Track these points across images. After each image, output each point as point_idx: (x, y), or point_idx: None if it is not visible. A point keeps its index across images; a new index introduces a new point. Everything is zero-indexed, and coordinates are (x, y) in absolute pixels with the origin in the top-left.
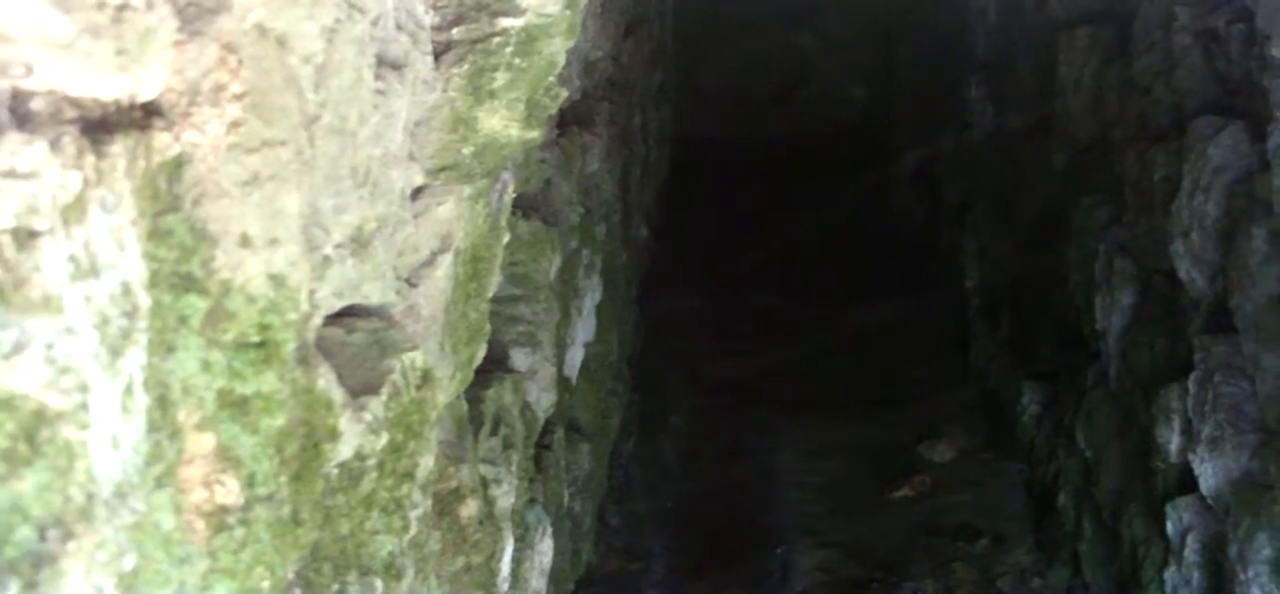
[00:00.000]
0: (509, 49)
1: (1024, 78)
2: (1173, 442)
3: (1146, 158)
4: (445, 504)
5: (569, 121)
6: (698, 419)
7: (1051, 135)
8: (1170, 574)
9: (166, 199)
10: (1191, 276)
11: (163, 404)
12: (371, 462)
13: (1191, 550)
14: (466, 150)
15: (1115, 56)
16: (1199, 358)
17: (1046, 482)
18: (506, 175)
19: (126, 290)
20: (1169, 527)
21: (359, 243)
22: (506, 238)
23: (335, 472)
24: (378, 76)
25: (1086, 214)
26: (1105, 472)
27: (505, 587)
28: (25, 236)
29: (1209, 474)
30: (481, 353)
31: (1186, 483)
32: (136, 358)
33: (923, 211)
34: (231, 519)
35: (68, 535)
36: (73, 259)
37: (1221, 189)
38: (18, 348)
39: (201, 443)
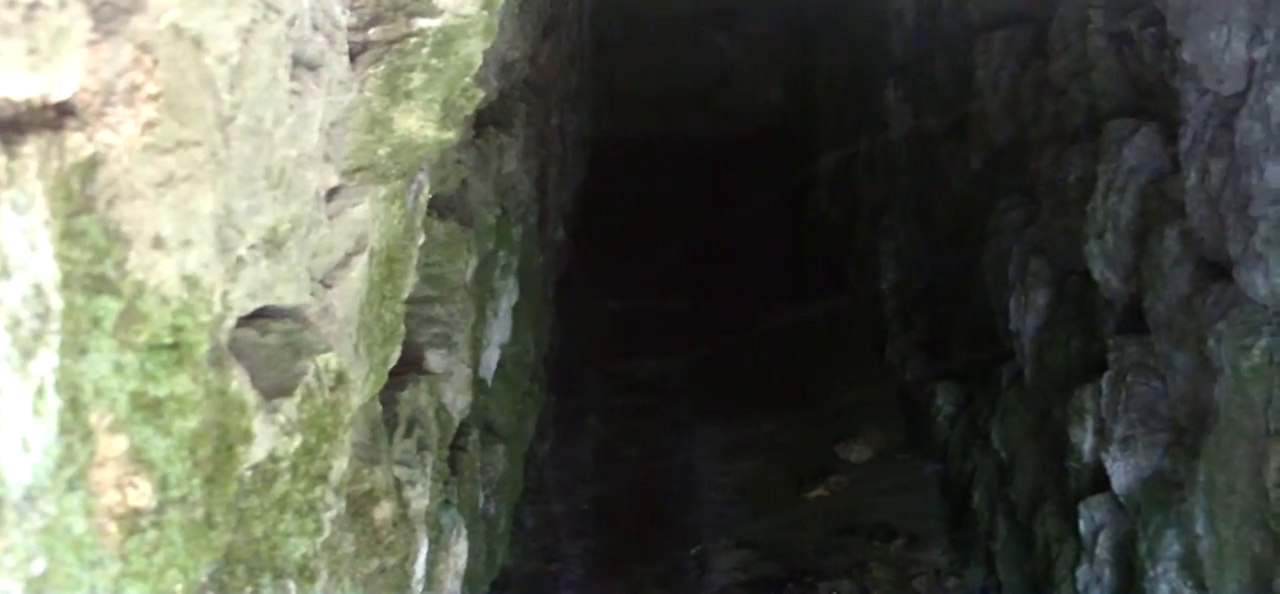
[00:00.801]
0: (425, 50)
1: (941, 80)
2: (1086, 441)
3: (1062, 159)
4: (359, 506)
5: (486, 122)
6: (614, 419)
7: (968, 137)
8: (1082, 572)
9: (80, 200)
10: (1105, 277)
11: (75, 406)
12: (285, 464)
13: (1103, 548)
14: (382, 151)
15: (1031, 58)
16: (1113, 358)
17: (962, 481)
18: (422, 176)
19: (38, 292)
20: (1081, 525)
21: (273, 244)
22: (422, 239)
23: (249, 474)
24: (293, 77)
25: (1002, 215)
26: (1019, 471)
27: (419, 589)
28: None
29: (1121, 473)
30: (396, 354)
31: (1099, 482)
32: (48, 360)
33: (840, 212)
34: (144, 522)
35: None
36: None
37: (1135, 190)
38: None
39: (114, 445)
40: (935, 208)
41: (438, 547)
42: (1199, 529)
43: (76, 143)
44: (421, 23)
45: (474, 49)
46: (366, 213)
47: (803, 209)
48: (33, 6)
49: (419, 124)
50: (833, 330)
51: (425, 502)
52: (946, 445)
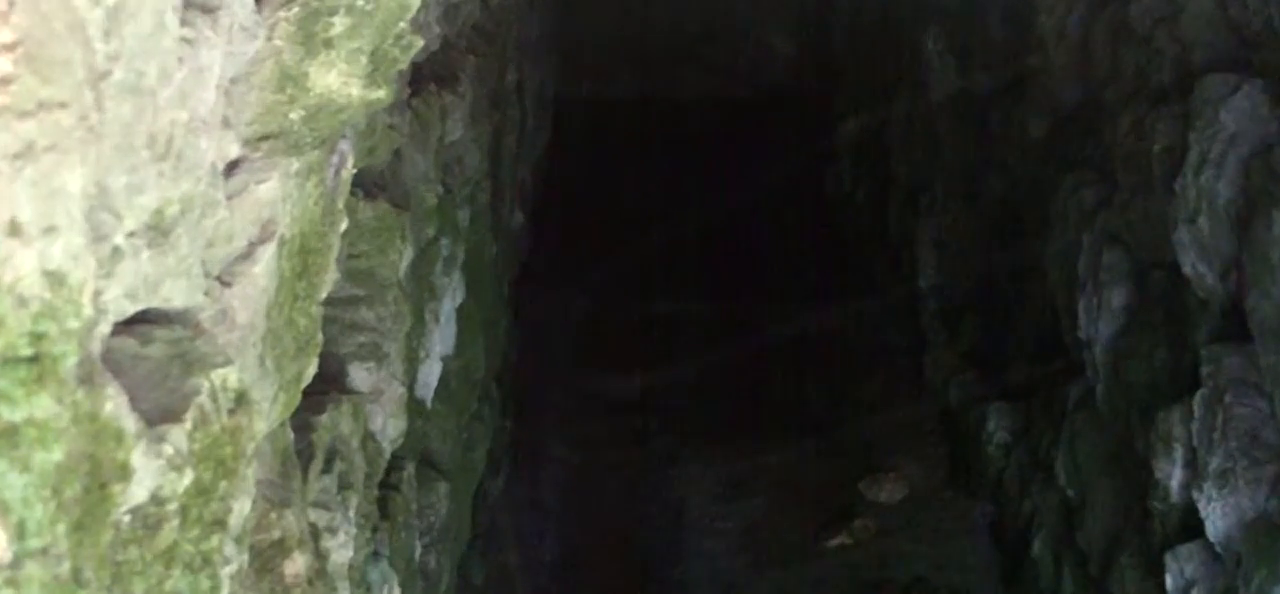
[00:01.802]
0: None
1: (993, 28)
2: (1174, 476)
3: (1144, 125)
4: (266, 559)
5: (425, 78)
6: (586, 450)
7: (1027, 98)
8: None
9: None
10: (1198, 272)
11: None
12: (173, 506)
13: None
14: (295, 114)
15: (1107, 1)
16: (1207, 372)
17: (1018, 526)
18: (345, 146)
19: None
20: (1168, 580)
21: (158, 231)
22: (344, 224)
23: (127, 519)
24: (184, 22)
25: (1069, 196)
26: (1091, 513)
27: None
28: None
29: (1217, 515)
30: (312, 369)
31: (1190, 526)
32: None
33: (866, 193)
34: None
35: None
36: None
37: (1236, 163)
38: None
39: None
40: (986, 187)
41: None
42: None
43: None
44: None
45: None
46: (275, 191)
47: (820, 189)
48: None
49: (341, 81)
50: (858, 339)
51: (349, 553)
52: (999, 481)
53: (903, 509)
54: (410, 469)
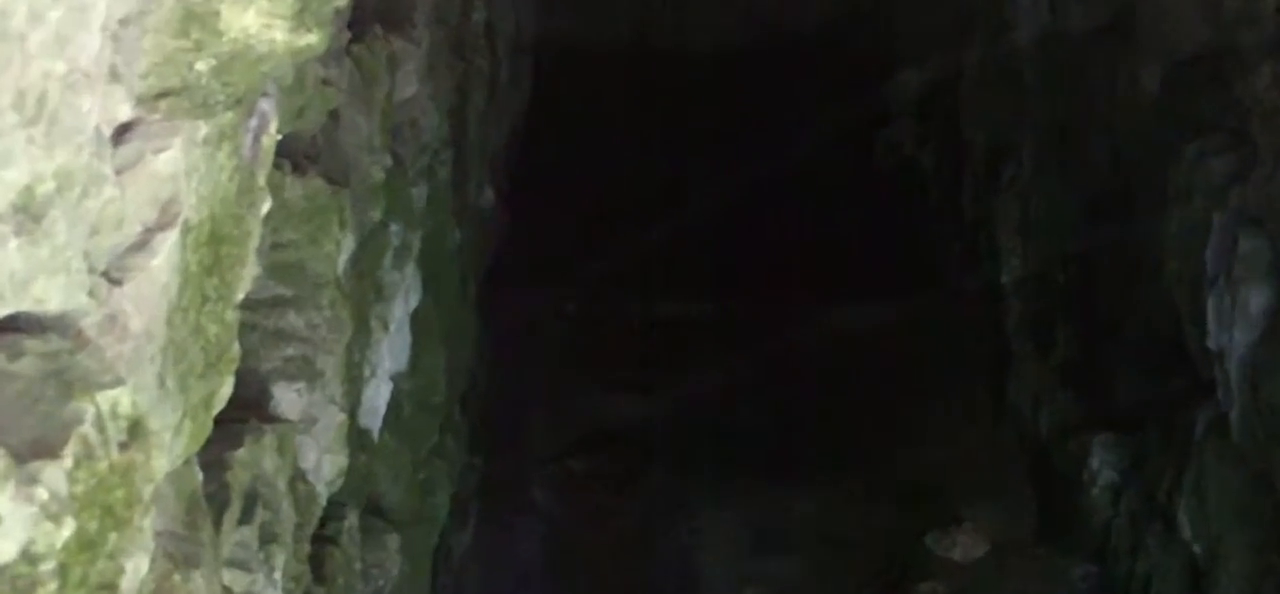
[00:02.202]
0: None
1: None
2: None
3: None
4: None
5: (369, 20)
6: (574, 493)
7: (1137, 42)
8: None
9: None
10: None
11: None
12: (49, 566)
13: None
14: (202, 65)
15: None
16: None
17: (1131, 591)
18: (266, 105)
19: None
20: None
21: (28, 214)
22: (267, 205)
23: None
24: None
25: (1193, 166)
26: (1225, 574)
27: None
28: None
29: None
30: (226, 390)
31: None
32: None
33: (933, 162)
34: None
35: None
36: None
37: None
38: None
39: None
40: (1086, 155)
41: None
42: None
43: None
44: None
45: None
46: (178, 164)
47: (869, 159)
48: None
49: (261, 22)
50: (921, 350)
51: None
52: (1106, 534)
53: (981, 570)
54: (352, 518)
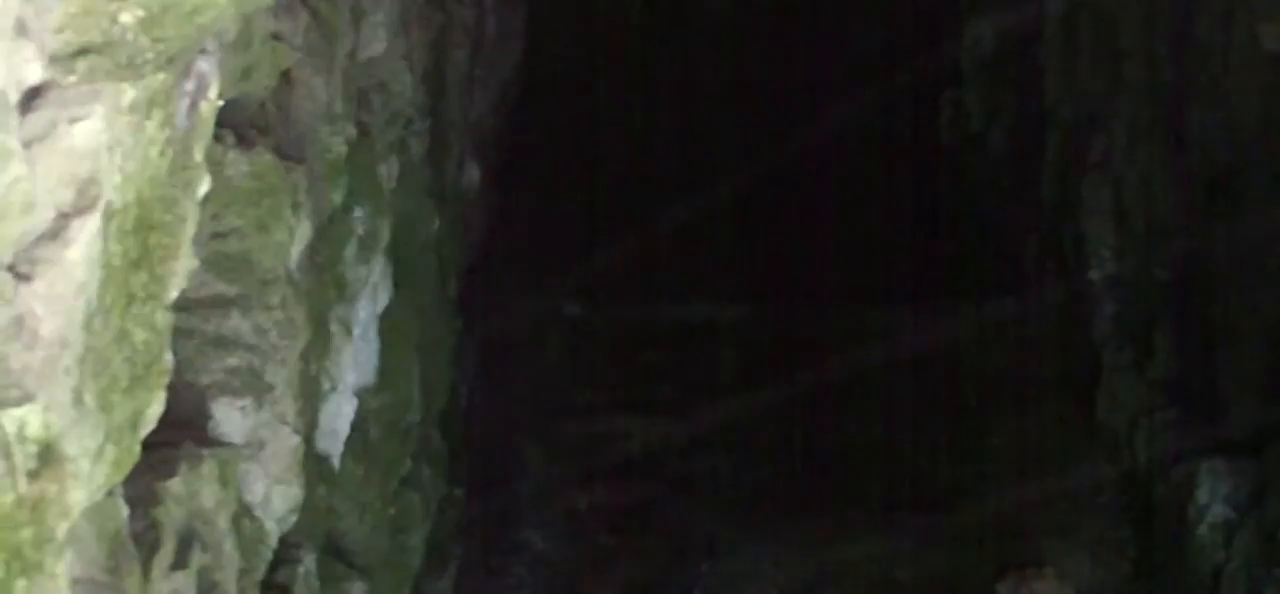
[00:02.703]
0: None
1: None
2: None
3: None
4: None
5: None
6: (576, 535)
7: None
8: None
9: None
10: None
11: None
12: None
13: None
14: (128, 17)
15: None
16: None
17: None
18: (205, 66)
19: None
20: None
21: None
22: (205, 186)
23: None
24: None
25: None
26: None
27: None
28: None
29: None
30: (157, 408)
31: None
32: None
33: (1006, 135)
34: None
35: None
36: None
37: None
38: None
39: None
40: (1194, 128)
41: None
42: None
43: None
44: None
45: None
46: (99, 136)
47: (933, 128)
48: None
49: None
50: (994, 362)
51: None
52: (1216, 581)
53: None
54: (308, 562)
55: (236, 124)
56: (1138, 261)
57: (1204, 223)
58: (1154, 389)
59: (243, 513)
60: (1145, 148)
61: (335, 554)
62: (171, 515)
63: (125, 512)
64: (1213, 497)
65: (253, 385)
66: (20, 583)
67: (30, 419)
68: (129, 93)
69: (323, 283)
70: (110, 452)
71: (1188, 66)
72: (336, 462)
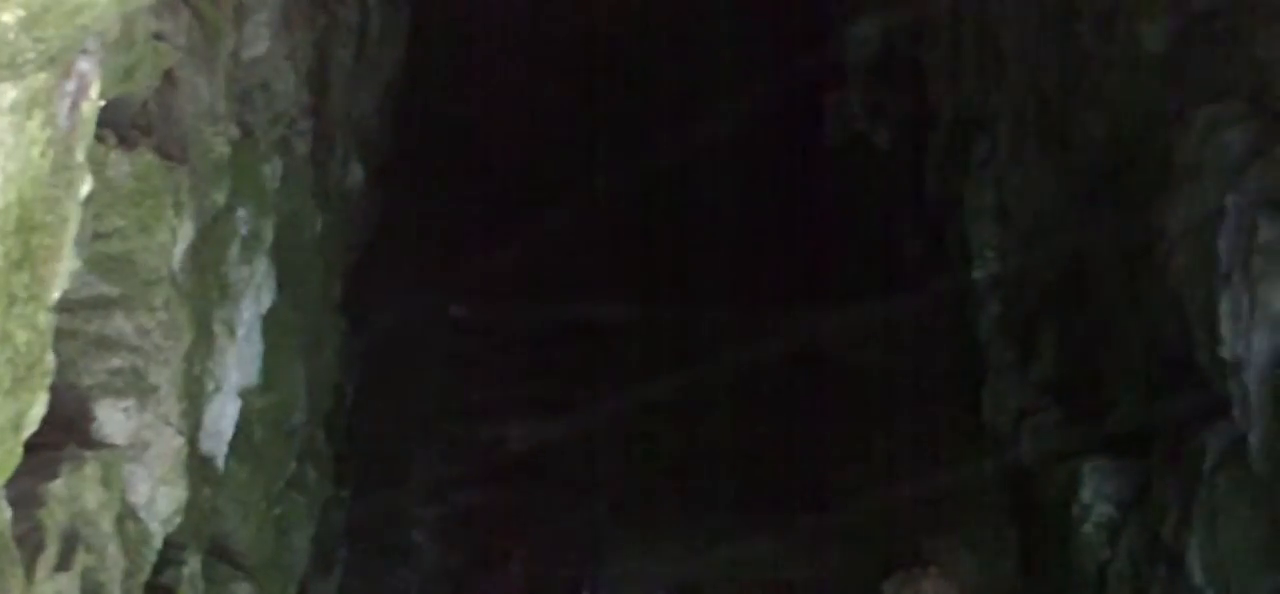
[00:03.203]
0: None
1: None
2: None
3: None
4: None
5: None
6: (464, 534)
7: None
8: None
9: None
10: None
11: None
12: None
13: None
14: (8, 17)
15: None
16: None
17: None
18: (86, 65)
19: None
20: None
21: None
22: (87, 186)
23: None
24: None
25: (1204, 140)
26: None
27: None
28: None
29: None
30: (39, 410)
31: None
32: None
33: (891, 134)
34: None
35: None
36: None
37: None
38: None
39: None
40: (1076, 125)
41: None
42: None
43: None
44: None
45: None
46: None
47: (817, 127)
48: None
49: None
50: (879, 361)
51: None
52: (1102, 579)
53: None
54: (193, 563)
55: (118, 124)
56: (1021, 261)
57: (1086, 222)
58: (1038, 388)
59: (127, 514)
60: (1028, 147)
61: (220, 555)
62: (55, 517)
63: (8, 513)
64: (1097, 495)
65: (136, 386)
66: None
67: None
68: (10, 93)
69: (206, 283)
70: None
71: (1070, 67)
72: (221, 463)
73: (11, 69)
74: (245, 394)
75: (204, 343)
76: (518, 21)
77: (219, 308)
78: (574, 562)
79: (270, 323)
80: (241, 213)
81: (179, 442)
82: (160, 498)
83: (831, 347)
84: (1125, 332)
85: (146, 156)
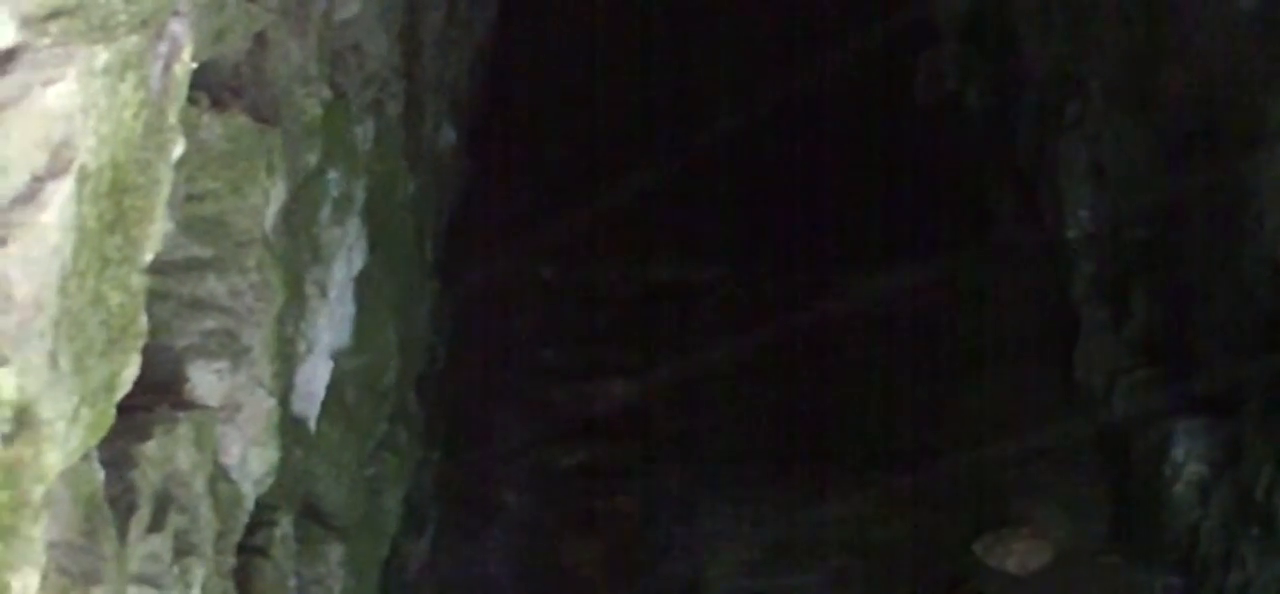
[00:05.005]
0: None
1: None
2: None
3: None
4: None
5: None
6: (552, 496)
7: None
8: None
9: None
10: None
11: None
12: None
13: None
14: None
15: None
16: None
17: None
18: (178, 27)
19: None
20: None
21: None
22: (180, 149)
23: None
24: None
25: None
26: None
27: None
28: None
29: None
30: (132, 372)
31: None
32: None
33: (981, 95)
34: None
35: None
36: None
37: None
38: None
39: None
40: (1168, 85)
41: None
42: None
43: None
44: None
45: None
46: (72, 99)
47: (907, 88)
48: None
49: None
50: (970, 322)
51: None
52: (1193, 539)
53: (1041, 583)
54: (285, 524)
55: (211, 86)
56: (1113, 220)
57: (1178, 181)
58: (1130, 347)
59: (219, 476)
60: (1119, 107)
61: (312, 517)
62: (148, 478)
63: (101, 475)
64: (1188, 455)
65: (228, 348)
66: None
67: (5, 383)
68: (102, 55)
69: (298, 245)
70: (86, 415)
71: (1160, 24)
72: (313, 424)
73: (104, 31)
74: (337, 355)
75: (296, 304)
76: None
77: (311, 269)
78: (664, 521)
79: (362, 284)
80: (333, 175)
81: (271, 403)
82: (252, 459)
83: (922, 307)
84: (1217, 290)
85: (239, 119)
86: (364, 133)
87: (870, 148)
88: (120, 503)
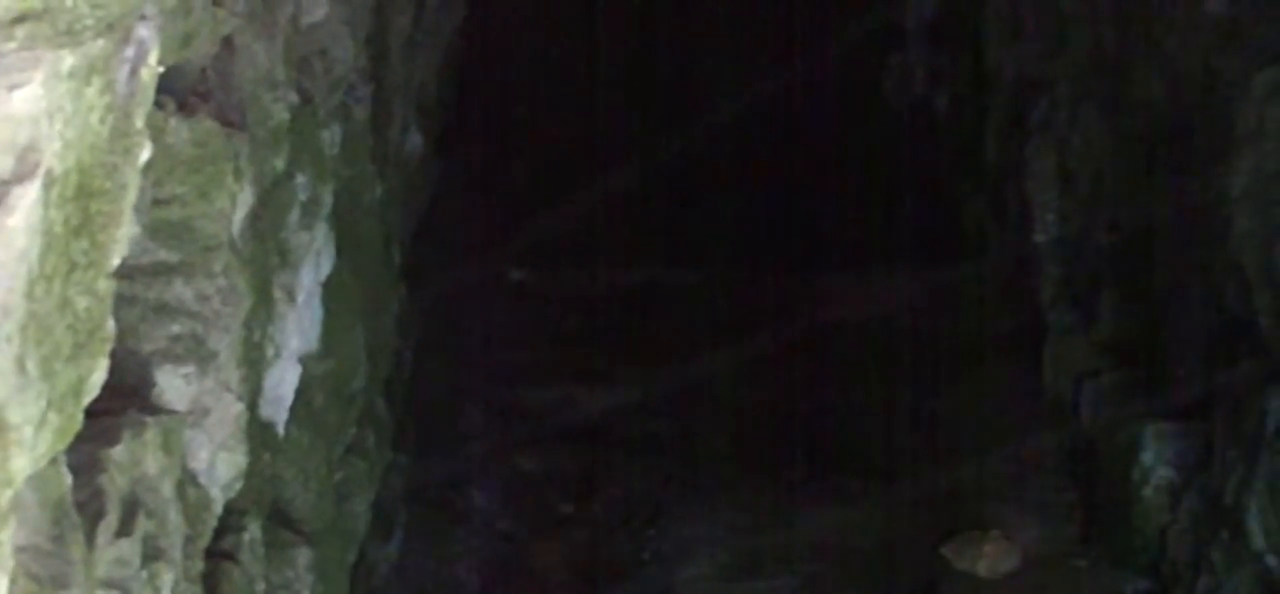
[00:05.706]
0: None
1: None
2: None
3: None
4: None
5: None
6: (522, 502)
7: None
8: None
9: None
10: None
11: None
12: None
13: None
14: None
15: None
16: None
17: None
18: (144, 31)
19: None
20: None
21: None
22: (146, 153)
23: None
24: None
25: (1266, 101)
26: None
27: None
28: None
29: None
30: (100, 375)
31: None
32: None
33: (950, 98)
34: None
35: None
36: None
37: None
38: None
39: None
40: (1137, 89)
41: None
42: None
43: None
44: None
45: None
46: (37, 103)
47: (876, 92)
48: None
49: None
50: (937, 327)
51: None
52: (1162, 543)
53: (1012, 586)
54: (253, 529)
55: (177, 91)
56: (1082, 224)
57: (1147, 185)
58: (1099, 352)
59: (187, 480)
60: (1088, 110)
61: (280, 521)
62: (115, 483)
63: (69, 480)
64: (1158, 459)
65: (196, 352)
66: None
67: None
68: (68, 59)
69: (265, 249)
70: (53, 420)
71: (1130, 27)
72: (281, 429)
73: (70, 35)
74: (305, 360)
75: (264, 309)
76: None
77: (279, 274)
78: (634, 527)
79: (330, 289)
80: (301, 179)
81: (239, 407)
82: (220, 464)
83: (891, 312)
84: (1187, 295)
85: (206, 123)
86: (331, 137)
87: (841, 153)
88: (88, 508)
